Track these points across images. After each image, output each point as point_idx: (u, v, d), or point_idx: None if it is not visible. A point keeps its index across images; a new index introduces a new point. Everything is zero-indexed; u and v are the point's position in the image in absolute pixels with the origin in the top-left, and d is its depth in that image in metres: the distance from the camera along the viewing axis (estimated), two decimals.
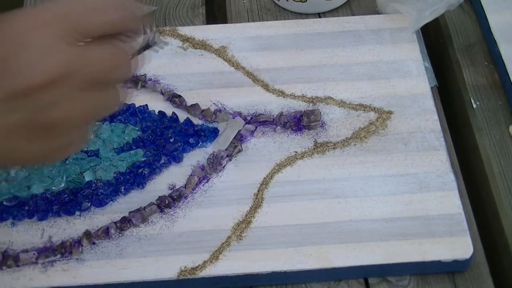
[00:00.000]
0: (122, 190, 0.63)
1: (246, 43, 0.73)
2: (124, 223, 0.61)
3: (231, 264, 0.59)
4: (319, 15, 0.78)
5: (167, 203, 0.62)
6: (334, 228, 0.60)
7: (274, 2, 0.80)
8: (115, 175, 0.64)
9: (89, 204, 0.62)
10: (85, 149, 0.65)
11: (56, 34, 0.46)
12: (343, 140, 0.66)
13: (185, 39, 0.73)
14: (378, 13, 0.77)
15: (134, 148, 0.65)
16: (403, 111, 0.68)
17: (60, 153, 0.50)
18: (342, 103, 0.68)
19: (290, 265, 0.59)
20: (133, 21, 0.50)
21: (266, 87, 0.70)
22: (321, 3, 0.77)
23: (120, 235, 0.61)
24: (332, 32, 0.74)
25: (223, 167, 0.64)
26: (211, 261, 0.59)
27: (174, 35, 0.74)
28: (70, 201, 0.62)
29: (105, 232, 0.61)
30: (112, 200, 0.63)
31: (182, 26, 0.76)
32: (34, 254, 0.59)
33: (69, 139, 0.49)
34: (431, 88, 0.70)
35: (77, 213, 0.62)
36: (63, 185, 0.63)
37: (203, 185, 0.63)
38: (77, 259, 0.59)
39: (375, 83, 0.70)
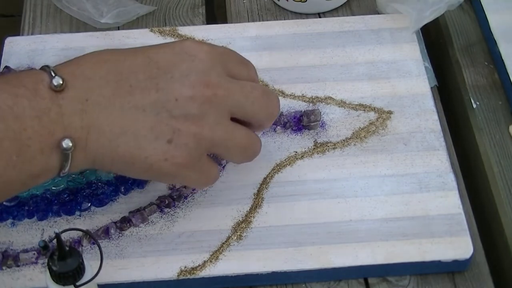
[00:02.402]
0: (122, 190, 0.63)
1: (246, 43, 0.73)
2: (124, 223, 0.61)
3: (231, 264, 0.59)
4: (319, 15, 0.78)
5: (167, 203, 0.62)
6: (334, 228, 0.60)
7: (274, 2, 0.80)
8: (115, 175, 0.64)
9: (89, 204, 0.62)
10: None
11: (215, 61, 0.52)
12: (343, 140, 0.66)
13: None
14: (378, 13, 0.77)
15: None
16: (403, 111, 0.68)
17: (187, 179, 0.55)
18: (342, 103, 0.68)
19: (290, 265, 0.59)
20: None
21: (266, 87, 0.70)
22: (321, 3, 0.77)
23: (120, 235, 0.61)
24: (332, 32, 0.74)
25: (223, 167, 0.64)
26: (211, 261, 0.59)
27: (174, 35, 0.74)
28: (70, 201, 0.62)
29: (105, 232, 0.61)
30: (112, 200, 0.63)
31: (182, 26, 0.76)
32: (34, 254, 0.59)
33: (201, 168, 0.53)
34: (431, 88, 0.70)
35: (77, 213, 0.62)
36: (63, 185, 0.63)
37: None
38: None
39: (375, 83, 0.70)
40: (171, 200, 0.62)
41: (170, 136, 0.51)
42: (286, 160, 0.65)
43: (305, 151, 0.65)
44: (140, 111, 0.50)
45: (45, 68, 0.51)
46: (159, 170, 0.52)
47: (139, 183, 0.63)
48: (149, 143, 0.51)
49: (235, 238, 0.60)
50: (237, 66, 0.55)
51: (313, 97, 0.69)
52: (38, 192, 0.63)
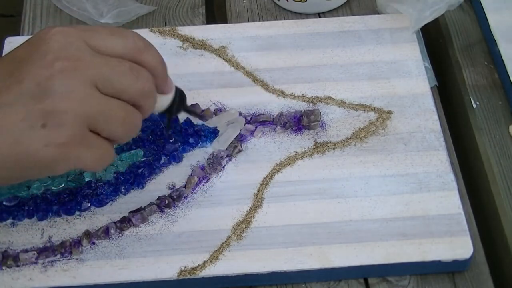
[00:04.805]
0: (122, 190, 0.63)
1: (246, 43, 0.73)
2: (124, 223, 0.61)
3: (231, 264, 0.59)
4: (319, 15, 0.78)
5: (167, 203, 0.62)
6: (334, 228, 0.60)
7: (274, 2, 0.80)
8: (115, 175, 0.64)
9: (89, 204, 0.62)
10: None
11: (72, 38, 0.50)
12: (343, 140, 0.66)
13: (185, 39, 0.73)
14: (378, 13, 0.77)
15: (134, 148, 0.65)
16: (403, 111, 0.68)
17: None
18: (342, 103, 0.68)
19: (290, 265, 0.59)
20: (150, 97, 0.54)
21: (266, 87, 0.70)
22: (321, 3, 0.77)
23: (120, 235, 0.61)
24: (332, 32, 0.74)
25: (223, 167, 0.64)
26: (211, 261, 0.59)
27: (174, 35, 0.74)
28: (70, 201, 0.62)
29: (105, 232, 0.61)
30: (112, 200, 0.63)
31: (182, 26, 0.76)
32: (34, 254, 0.59)
33: (88, 144, 0.51)
34: (431, 88, 0.70)
35: (77, 213, 0.62)
36: (63, 185, 0.63)
37: (203, 185, 0.63)
38: (77, 259, 0.59)
39: (375, 83, 0.70)
40: (171, 200, 0.62)
41: (43, 120, 0.49)
42: (286, 160, 0.65)
43: (305, 151, 0.65)
44: (7, 107, 0.49)
45: None
46: (45, 158, 0.50)
47: (139, 183, 0.63)
48: (24, 134, 0.49)
49: (235, 238, 0.60)
50: (106, 39, 0.52)
51: (313, 97, 0.69)
52: (38, 192, 0.63)
